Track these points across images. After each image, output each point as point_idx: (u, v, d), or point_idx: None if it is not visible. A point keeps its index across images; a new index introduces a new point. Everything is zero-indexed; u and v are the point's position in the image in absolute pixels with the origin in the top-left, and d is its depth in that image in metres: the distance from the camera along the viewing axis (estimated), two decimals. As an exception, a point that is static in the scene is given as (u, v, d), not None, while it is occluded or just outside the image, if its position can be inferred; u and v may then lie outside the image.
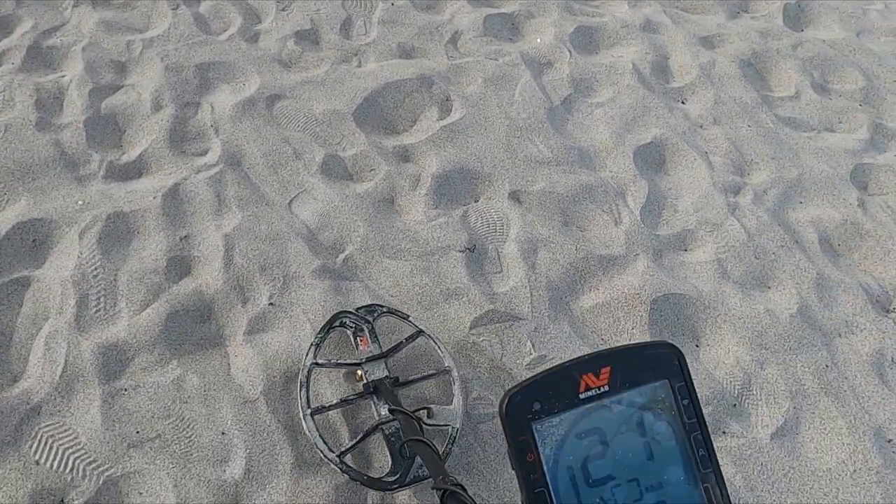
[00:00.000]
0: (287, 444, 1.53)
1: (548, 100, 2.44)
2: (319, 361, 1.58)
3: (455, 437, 1.51)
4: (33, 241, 1.83)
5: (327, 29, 2.60)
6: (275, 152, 2.12)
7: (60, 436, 1.50)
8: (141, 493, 1.45)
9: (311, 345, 1.60)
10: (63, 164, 2.01)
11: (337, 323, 1.65)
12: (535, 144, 2.27)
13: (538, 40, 2.71)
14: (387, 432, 1.49)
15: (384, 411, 1.50)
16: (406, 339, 1.64)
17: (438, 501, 0.94)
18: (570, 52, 2.65)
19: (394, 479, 1.43)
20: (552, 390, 0.44)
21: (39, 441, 1.49)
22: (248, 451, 1.52)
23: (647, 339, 1.80)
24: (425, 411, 1.52)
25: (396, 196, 2.07)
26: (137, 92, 2.26)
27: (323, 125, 2.23)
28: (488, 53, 2.60)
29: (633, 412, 0.45)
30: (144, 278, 1.77)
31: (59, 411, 1.54)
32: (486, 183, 2.14)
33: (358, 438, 1.49)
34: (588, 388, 0.45)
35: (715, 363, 1.81)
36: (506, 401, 0.44)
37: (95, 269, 1.78)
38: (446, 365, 1.61)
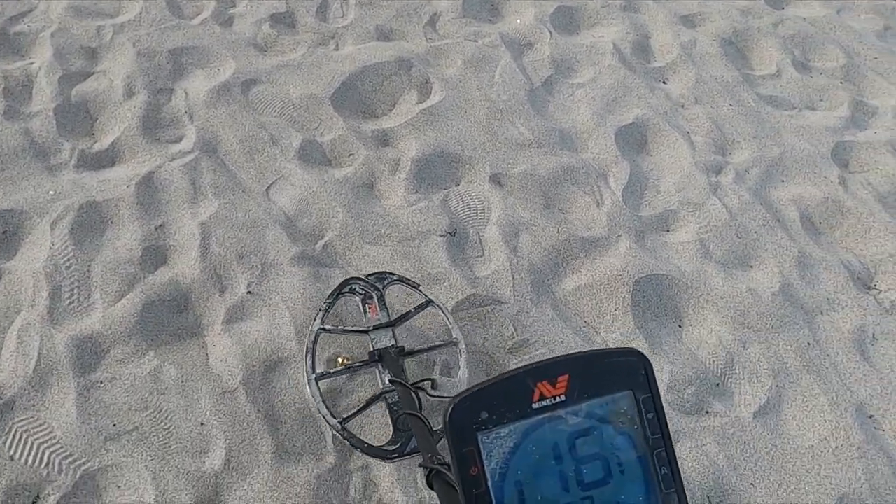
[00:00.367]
0: (267, 433, 1.51)
1: (528, 81, 2.41)
2: (327, 327, 1.56)
3: None
4: (3, 232, 1.79)
5: (303, 12, 2.56)
6: (251, 138, 2.08)
7: (35, 430, 1.47)
8: (119, 487, 1.43)
9: (320, 310, 1.58)
10: (33, 154, 1.96)
11: (346, 289, 1.62)
12: (515, 126, 2.24)
13: (518, 21, 2.67)
14: (390, 402, 1.48)
15: (388, 380, 1.48)
16: (415, 309, 1.61)
17: (425, 480, 0.92)
18: (550, 32, 2.62)
19: (393, 448, 1.42)
20: (503, 399, 0.41)
21: (13, 436, 1.46)
22: (227, 441, 1.49)
23: (630, 320, 1.79)
24: (429, 382, 1.50)
25: (376, 181, 2.04)
26: (109, 78, 2.20)
27: (300, 110, 2.19)
28: (468, 35, 2.56)
29: (591, 424, 0.42)
30: (119, 269, 1.74)
31: (34, 405, 1.51)
32: (467, 166, 2.11)
33: (360, 406, 1.47)
34: (543, 398, 0.42)
35: (698, 343, 1.81)
36: (450, 408, 0.40)
37: (68, 260, 1.74)
38: (454, 336, 1.60)
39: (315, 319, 1.57)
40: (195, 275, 1.74)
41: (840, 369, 1.78)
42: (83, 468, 1.43)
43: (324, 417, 1.45)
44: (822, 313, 1.91)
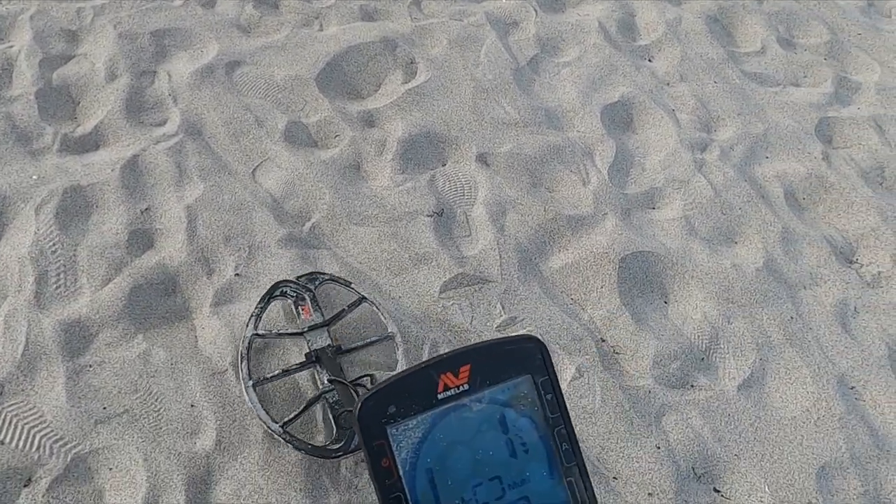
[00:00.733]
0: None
1: (514, 60, 2.40)
2: (260, 332, 1.56)
3: None
4: (-13, 218, 1.78)
5: (287, -8, 2.53)
6: (236, 120, 2.07)
7: (25, 415, 1.47)
8: (111, 469, 1.43)
9: (251, 315, 1.58)
10: (15, 138, 1.94)
11: (277, 293, 1.62)
12: (501, 106, 2.24)
13: (503, 0, 2.66)
14: (330, 401, 1.48)
15: (326, 380, 1.49)
16: (349, 307, 1.61)
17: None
18: (535, 11, 2.61)
19: (337, 446, 1.43)
20: (409, 392, 0.43)
21: (3, 420, 1.46)
22: (218, 422, 1.50)
23: (616, 297, 1.81)
24: (368, 378, 1.51)
25: (362, 162, 2.04)
26: (90, 61, 2.18)
27: (285, 91, 2.18)
28: (452, 14, 2.55)
29: (494, 410, 0.44)
30: (105, 253, 1.73)
31: (23, 390, 1.51)
32: (453, 146, 2.11)
33: (301, 409, 1.47)
34: (447, 388, 0.44)
35: (683, 319, 1.83)
36: (359, 405, 0.42)
37: (54, 244, 1.73)
38: (390, 331, 1.60)
39: (248, 325, 1.56)
40: (182, 258, 1.74)
41: (822, 342, 1.81)
42: (74, 451, 1.44)
43: (264, 423, 1.45)
44: (804, 287, 1.93)
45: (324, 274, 1.68)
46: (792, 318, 1.85)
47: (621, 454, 1.55)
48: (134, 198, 1.85)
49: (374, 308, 1.63)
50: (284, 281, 1.64)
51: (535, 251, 1.89)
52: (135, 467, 1.43)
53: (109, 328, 1.61)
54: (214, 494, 1.42)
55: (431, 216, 1.91)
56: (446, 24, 2.49)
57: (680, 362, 1.73)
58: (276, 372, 1.53)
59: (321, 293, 1.66)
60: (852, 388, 1.75)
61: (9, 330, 1.58)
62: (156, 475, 1.42)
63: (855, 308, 1.91)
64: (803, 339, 1.81)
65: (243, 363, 1.52)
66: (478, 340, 1.70)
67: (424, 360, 0.42)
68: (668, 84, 2.46)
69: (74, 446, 1.44)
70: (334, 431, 1.46)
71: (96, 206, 1.83)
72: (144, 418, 1.50)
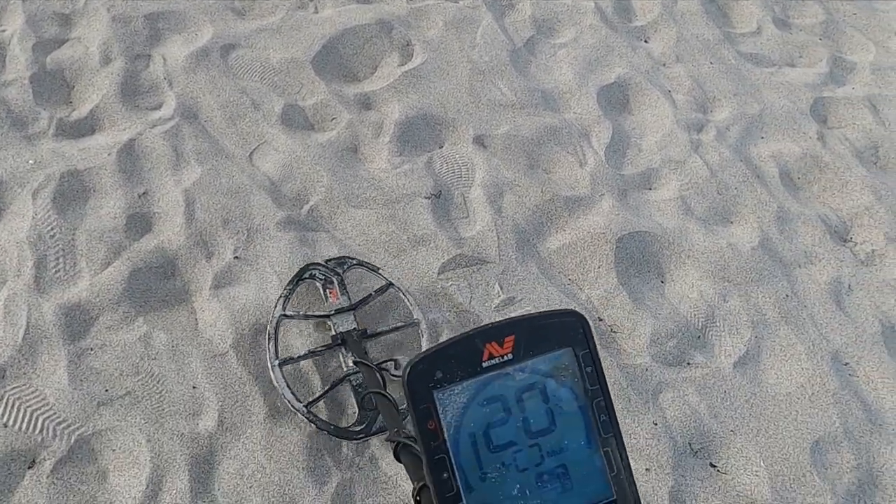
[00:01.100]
0: (259, 394, 1.53)
1: (510, 42, 2.40)
2: (288, 313, 1.58)
3: None
4: (-16, 203, 1.77)
5: (281, -26, 2.51)
6: (232, 104, 2.07)
7: (27, 398, 1.48)
8: (114, 450, 1.45)
9: (280, 296, 1.59)
10: (10, 123, 1.93)
11: (306, 275, 1.64)
12: (498, 88, 2.24)
13: (499, -19, 2.65)
14: (354, 383, 1.50)
15: (351, 363, 1.50)
16: (375, 292, 1.63)
17: (393, 454, 0.95)
18: (531, -8, 2.60)
19: (360, 428, 1.45)
20: (455, 359, 0.45)
21: (6, 404, 1.47)
22: (220, 403, 1.52)
23: (613, 277, 1.83)
24: (392, 363, 1.53)
25: (359, 144, 2.04)
26: (84, 45, 2.16)
27: (281, 74, 2.17)
28: (448, -4, 2.54)
29: (536, 379, 0.45)
30: (104, 237, 1.73)
31: (25, 374, 1.52)
32: (450, 128, 2.12)
33: (325, 389, 1.50)
34: (492, 357, 0.45)
35: (679, 298, 1.85)
36: (408, 370, 0.44)
37: (52, 229, 1.73)
38: (415, 317, 1.62)
39: (276, 306, 1.58)
40: (181, 241, 1.75)
41: (817, 319, 1.83)
42: (77, 433, 1.45)
43: (289, 402, 1.47)
44: (799, 266, 1.95)
45: (352, 258, 1.69)
46: (787, 296, 1.87)
47: (619, 431, 1.57)
48: (131, 182, 1.85)
49: (401, 294, 1.65)
50: (314, 264, 1.66)
51: (533, 232, 1.90)
52: (138, 448, 1.45)
53: (110, 311, 1.62)
54: (218, 474, 1.44)
55: (429, 198, 1.91)
56: (442, 5, 2.48)
57: (676, 340, 1.75)
58: (303, 352, 1.55)
59: (349, 277, 1.67)
60: (846, 364, 1.77)
61: (9, 314, 1.58)
62: (159, 455, 1.44)
63: (849, 286, 1.93)
64: (798, 317, 1.83)
65: (270, 343, 1.53)
66: (477, 321, 1.71)
67: (470, 329, 0.43)
68: (664, 65, 2.46)
69: (77, 428, 1.46)
70: (357, 413, 1.48)
71: (93, 191, 1.83)
72: (146, 400, 1.51)
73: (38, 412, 1.47)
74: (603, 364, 0.47)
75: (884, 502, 1.57)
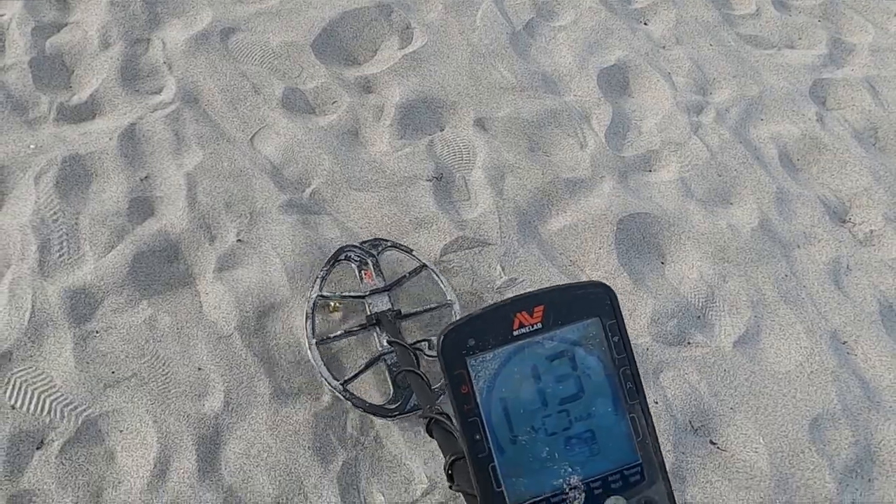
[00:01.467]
0: (264, 375, 1.55)
1: (510, 24, 2.39)
2: (325, 293, 1.60)
3: None
4: (-13, 187, 1.77)
5: (279, -43, 2.50)
6: (233, 88, 2.06)
7: (34, 380, 1.50)
8: (121, 431, 1.46)
9: (317, 277, 1.62)
10: (10, 108, 1.93)
11: (342, 256, 1.66)
12: (498, 70, 2.24)
13: (498, -37, 2.64)
14: (388, 363, 1.53)
15: (385, 342, 1.53)
16: (409, 273, 1.65)
17: (425, 430, 0.97)
18: (530, -26, 2.59)
19: (394, 406, 1.48)
20: (487, 328, 0.46)
21: (13, 386, 1.48)
22: (225, 384, 1.53)
23: (614, 258, 1.84)
24: (426, 343, 1.55)
25: (360, 128, 2.04)
26: (83, 29, 2.15)
27: (281, 58, 2.17)
28: (447, -22, 2.53)
29: (565, 348, 0.47)
30: (107, 221, 1.74)
31: (31, 356, 1.53)
32: (451, 111, 2.12)
33: (360, 368, 1.52)
34: (522, 326, 0.47)
35: (680, 278, 1.86)
36: (442, 337, 0.45)
37: (55, 213, 1.73)
38: (448, 298, 1.64)
39: (313, 286, 1.61)
40: (184, 225, 1.75)
41: (815, 299, 1.85)
42: (85, 414, 1.46)
43: (325, 380, 1.50)
44: (798, 246, 1.97)
45: (386, 240, 1.71)
46: (786, 276, 1.88)
47: (621, 409, 1.59)
48: (133, 166, 1.85)
49: (434, 276, 1.66)
50: (349, 245, 1.68)
51: (534, 214, 1.91)
52: (145, 429, 1.46)
53: (114, 295, 1.63)
54: (224, 454, 1.45)
55: (431, 181, 1.92)
56: (441, -12, 2.47)
57: (677, 320, 1.76)
58: (339, 332, 1.57)
59: (384, 259, 1.69)
60: (844, 343, 1.79)
61: (14, 298, 1.59)
62: (166, 436, 1.45)
63: (847, 266, 1.94)
64: (797, 297, 1.85)
65: (308, 322, 1.56)
66: (479, 302, 1.72)
67: (502, 299, 0.45)
68: (663, 47, 2.46)
69: (85, 409, 1.47)
70: (391, 391, 1.51)
71: (95, 175, 1.83)
72: (153, 382, 1.53)
73: (45, 394, 1.48)
74: None
75: (881, 477, 1.59)
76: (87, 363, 1.53)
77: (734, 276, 1.86)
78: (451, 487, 0.79)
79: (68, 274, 1.65)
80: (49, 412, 1.46)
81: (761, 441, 1.59)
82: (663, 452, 1.53)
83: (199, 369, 1.55)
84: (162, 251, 1.71)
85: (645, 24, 2.55)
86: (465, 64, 2.24)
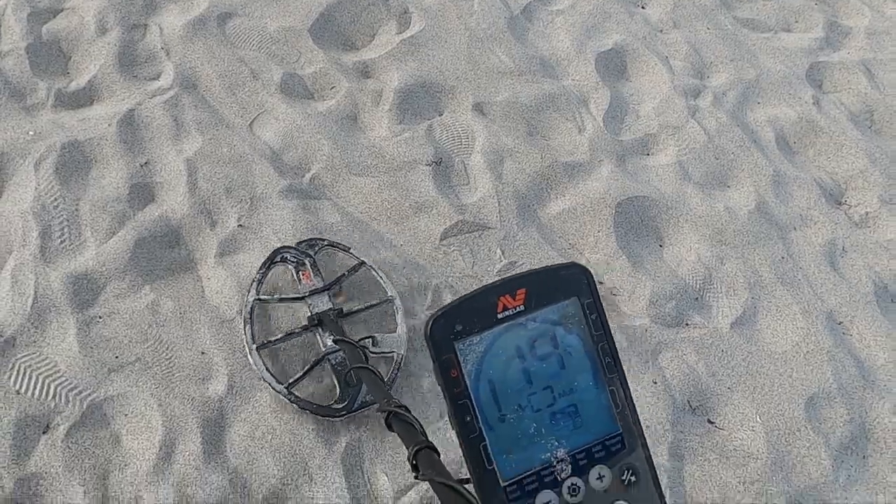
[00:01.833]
0: (268, 359, 1.56)
1: (507, 9, 2.39)
2: (262, 297, 1.59)
3: (400, 364, 1.54)
4: (-14, 174, 1.77)
5: (275, -58, 2.48)
6: (231, 73, 2.06)
7: (38, 365, 1.51)
8: (126, 415, 1.48)
9: (253, 281, 1.60)
10: (8, 94, 1.92)
11: (278, 258, 1.63)
12: (496, 55, 2.24)
13: (495, -53, 2.63)
14: (333, 362, 1.52)
15: (329, 342, 1.51)
16: (348, 271, 1.64)
17: (384, 424, 0.97)
18: (527, -42, 2.58)
19: (342, 405, 1.48)
20: (472, 312, 0.48)
21: (18, 371, 1.49)
22: (229, 368, 1.54)
23: (613, 241, 1.85)
24: (370, 340, 1.54)
25: (359, 113, 2.04)
26: (80, 15, 2.14)
27: (279, 43, 2.16)
28: (444, -38, 2.52)
29: (546, 328, 0.49)
30: (108, 207, 1.74)
31: (35, 342, 1.54)
32: (450, 96, 2.12)
33: (305, 370, 1.51)
34: (506, 309, 0.49)
35: (678, 261, 1.88)
36: (430, 324, 0.47)
37: (55, 199, 1.74)
38: (389, 294, 1.63)
39: (250, 290, 1.59)
40: (184, 210, 1.76)
41: (811, 280, 1.87)
42: (90, 399, 1.48)
43: (269, 384, 1.49)
44: (795, 229, 1.98)
45: (323, 239, 1.70)
46: (782, 258, 1.90)
47: (620, 389, 1.61)
48: (133, 152, 1.86)
49: (374, 272, 1.66)
50: (285, 247, 1.66)
51: (533, 198, 1.92)
52: (150, 412, 1.47)
53: (116, 280, 1.64)
54: (229, 436, 1.47)
55: (430, 165, 1.93)
56: (438, -28, 2.46)
57: (675, 302, 1.78)
58: (280, 335, 1.56)
59: (321, 258, 1.69)
60: (840, 323, 1.81)
61: (17, 284, 1.60)
62: (171, 419, 1.47)
63: (843, 247, 1.96)
64: (793, 278, 1.87)
65: (247, 327, 1.55)
66: (479, 285, 1.74)
67: (484, 285, 0.47)
68: (661, 31, 2.46)
69: (89, 394, 1.48)
70: (338, 391, 1.51)
71: (95, 161, 1.84)
72: (156, 366, 1.54)
73: (50, 379, 1.49)
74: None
75: (875, 454, 1.62)
76: (91, 348, 1.54)
77: (731, 259, 1.88)
78: (416, 477, 0.79)
79: (70, 260, 1.65)
80: (54, 397, 1.47)
81: (758, 420, 1.62)
82: (662, 431, 1.55)
83: (203, 353, 1.56)
84: (163, 237, 1.72)
85: (642, 7, 2.55)
86: (463, 48, 2.24)
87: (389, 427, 0.97)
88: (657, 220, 1.93)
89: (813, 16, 2.62)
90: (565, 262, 0.53)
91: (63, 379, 1.49)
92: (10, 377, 1.48)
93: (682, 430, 1.59)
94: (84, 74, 2.02)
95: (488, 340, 0.48)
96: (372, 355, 1.53)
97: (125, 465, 1.42)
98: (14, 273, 1.61)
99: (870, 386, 1.71)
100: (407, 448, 0.85)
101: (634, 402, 0.51)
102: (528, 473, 0.48)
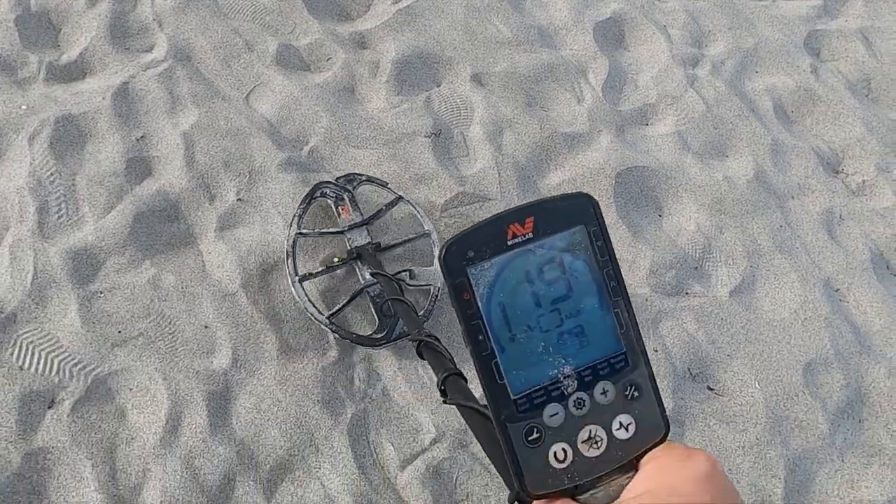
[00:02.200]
0: (271, 332, 1.56)
1: (504, -23, 2.36)
2: (303, 231, 1.61)
3: (437, 296, 1.59)
4: (-20, 149, 1.75)
5: None
6: (225, 45, 2.03)
7: (40, 341, 1.50)
8: (131, 389, 1.48)
9: (294, 216, 1.63)
10: (-2, 68, 1.89)
11: (318, 193, 1.67)
12: (494, 25, 2.21)
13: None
14: (371, 294, 1.56)
15: (368, 275, 1.56)
16: (386, 206, 1.68)
17: (416, 352, 1.04)
18: (523, -75, 2.54)
19: (380, 335, 1.52)
20: (484, 239, 0.51)
21: (20, 347, 1.49)
22: (232, 341, 1.55)
23: (612, 211, 1.86)
24: (407, 273, 1.59)
25: (356, 84, 2.02)
26: (67, -14, 2.10)
27: (273, 14, 2.13)
28: (439, -70, 2.48)
29: (554, 254, 0.51)
30: (105, 181, 1.73)
31: (36, 318, 1.53)
32: (448, 67, 2.10)
33: (345, 301, 1.55)
34: (515, 236, 0.51)
35: (677, 230, 1.89)
36: (444, 250, 0.50)
37: (51, 174, 1.72)
38: (426, 228, 1.67)
39: (291, 225, 1.62)
40: (183, 184, 1.74)
41: (809, 248, 1.89)
42: (94, 373, 1.48)
43: (311, 315, 1.53)
44: (793, 197, 1.99)
45: (361, 175, 1.73)
46: (781, 226, 1.91)
47: (621, 358, 1.62)
48: (128, 126, 1.83)
49: (411, 207, 1.69)
50: (325, 182, 1.69)
51: (533, 169, 1.92)
52: (155, 387, 1.48)
53: (116, 255, 1.63)
54: (235, 409, 1.48)
55: (429, 137, 1.91)
56: (433, -60, 2.42)
57: (675, 271, 1.79)
58: (321, 268, 1.59)
59: (359, 194, 1.70)
60: (837, 290, 1.83)
61: (15, 260, 1.59)
62: (176, 393, 1.47)
63: (840, 216, 1.98)
64: (791, 247, 1.88)
65: (289, 260, 1.58)
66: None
67: (495, 213, 0.50)
68: (658, -1, 2.44)
69: (94, 369, 1.48)
70: (376, 322, 1.55)
71: (90, 135, 1.81)
72: (160, 340, 1.54)
73: (53, 354, 1.49)
74: None
75: (870, 417, 1.65)
76: (93, 323, 1.53)
77: (730, 228, 1.89)
78: (444, 402, 0.86)
79: (69, 235, 1.64)
80: (58, 372, 1.47)
81: (757, 386, 1.64)
82: (663, 398, 1.57)
83: (206, 327, 1.56)
84: (162, 211, 1.71)
85: (640, -25, 2.52)
86: (460, 18, 2.21)
87: (420, 355, 1.03)
88: (656, 190, 1.94)
89: (810, -17, 2.60)
90: (572, 192, 0.56)
91: (66, 354, 1.49)
92: (12, 353, 1.48)
93: (682, 397, 1.61)
94: (75, 47, 1.98)
95: (499, 265, 0.51)
96: (409, 288, 1.57)
97: (132, 439, 1.42)
98: (12, 249, 1.60)
99: (866, 351, 1.74)
100: (436, 375, 0.91)
101: (636, 316, 0.53)
102: (537, 388, 0.51)
